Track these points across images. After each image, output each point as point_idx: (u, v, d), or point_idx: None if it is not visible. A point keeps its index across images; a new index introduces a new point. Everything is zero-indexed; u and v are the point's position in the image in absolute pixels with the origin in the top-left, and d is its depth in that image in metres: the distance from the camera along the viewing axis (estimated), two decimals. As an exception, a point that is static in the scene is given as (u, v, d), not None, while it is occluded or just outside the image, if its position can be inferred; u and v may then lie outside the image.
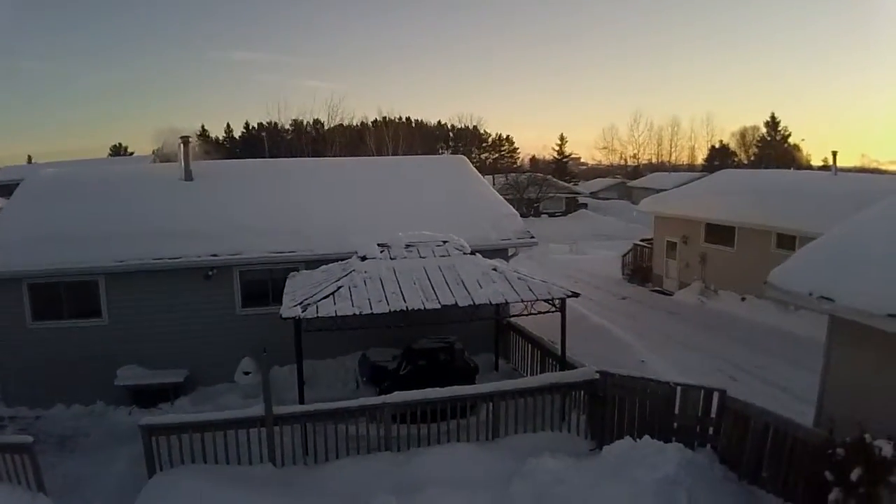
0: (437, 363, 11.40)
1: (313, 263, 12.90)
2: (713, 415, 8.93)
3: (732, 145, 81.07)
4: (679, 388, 9.20)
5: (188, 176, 15.95)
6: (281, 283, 12.41)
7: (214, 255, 13.19)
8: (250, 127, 77.49)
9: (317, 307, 9.81)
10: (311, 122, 70.18)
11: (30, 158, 73.00)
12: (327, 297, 10.02)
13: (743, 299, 20.64)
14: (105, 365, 13.02)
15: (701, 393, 9.03)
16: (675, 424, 9.08)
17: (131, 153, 74.28)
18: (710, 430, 8.97)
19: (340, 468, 8.88)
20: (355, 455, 9.28)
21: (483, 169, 20.31)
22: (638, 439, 8.39)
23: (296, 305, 9.89)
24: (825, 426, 7.80)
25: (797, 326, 17.01)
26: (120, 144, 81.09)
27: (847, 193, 17.68)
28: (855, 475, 6.52)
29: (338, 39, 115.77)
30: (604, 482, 7.43)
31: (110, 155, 71.08)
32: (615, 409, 9.68)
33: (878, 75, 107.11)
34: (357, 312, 9.81)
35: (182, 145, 16.12)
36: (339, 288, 10.27)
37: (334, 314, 9.76)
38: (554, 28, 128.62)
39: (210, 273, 13.23)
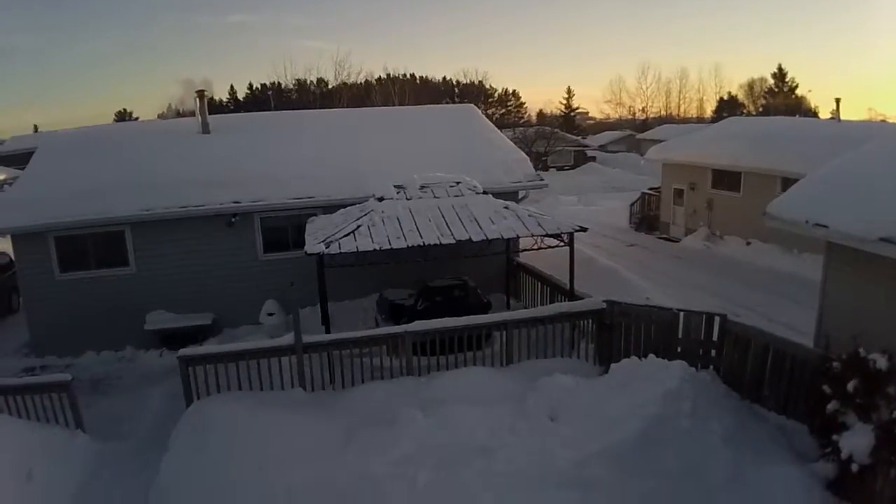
0: (452, 299, 11.96)
1: (331, 209, 13.38)
2: (715, 338, 9.47)
3: (741, 97, 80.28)
4: (682, 314, 9.73)
5: (205, 129, 16.37)
6: (300, 229, 12.95)
7: (237, 202, 13.70)
8: (254, 88, 77.36)
9: (339, 244, 10.36)
10: (314, 82, 70.03)
11: (36, 128, 73.23)
12: (348, 234, 10.57)
13: (748, 244, 21.07)
14: (133, 312, 13.61)
15: (703, 317, 9.57)
16: (679, 348, 9.60)
17: (136, 118, 74.49)
18: (713, 353, 9.51)
19: (366, 391, 9.49)
20: (379, 381, 9.90)
21: (492, 124, 20.60)
22: (644, 359, 8.95)
23: (319, 243, 10.44)
24: (822, 344, 8.34)
25: (800, 268, 17.45)
26: (125, 110, 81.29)
27: (850, 138, 17.81)
28: (851, 386, 6.92)
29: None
30: (612, 394, 8.01)
31: (115, 121, 71.24)
32: (622, 335, 10.25)
33: (885, 31, 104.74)
34: (377, 248, 10.36)
35: (198, 99, 16.50)
36: (360, 226, 10.81)
37: (356, 250, 10.32)
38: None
39: (233, 220, 13.77)
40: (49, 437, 8.88)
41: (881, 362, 6.81)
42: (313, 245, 10.50)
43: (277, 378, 9.65)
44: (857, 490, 6.75)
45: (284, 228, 14.22)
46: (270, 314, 13.64)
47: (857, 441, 6.72)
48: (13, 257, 16.67)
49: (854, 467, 6.66)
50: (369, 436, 7.89)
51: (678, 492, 6.85)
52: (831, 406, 7.14)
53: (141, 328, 13.61)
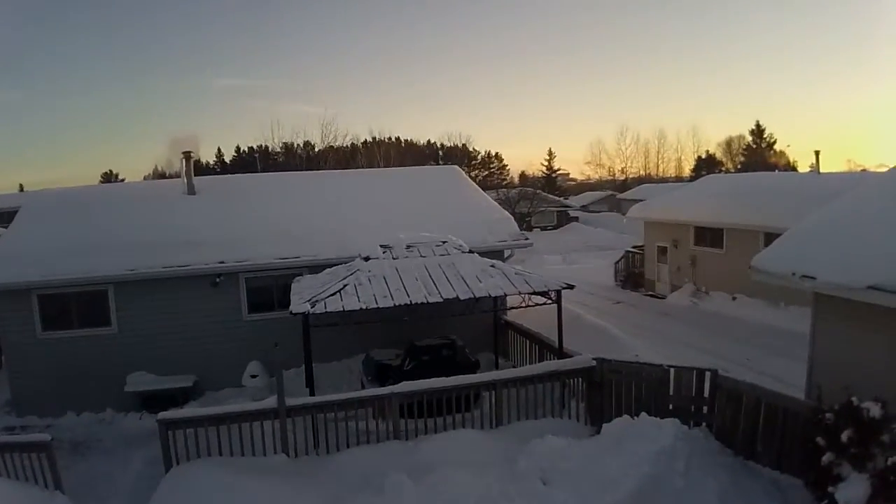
0: (440, 359, 11.79)
1: (317, 268, 13.31)
2: (706, 394, 9.35)
3: (719, 155, 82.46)
4: (672, 370, 9.63)
5: (191, 190, 16.41)
6: (285, 289, 12.83)
7: (221, 262, 13.63)
8: (241, 151, 78.23)
9: (325, 303, 10.26)
10: (301, 145, 71.01)
11: (21, 187, 73.33)
12: (334, 294, 10.47)
13: (734, 298, 21.19)
14: (114, 372, 13.40)
15: (693, 373, 9.48)
16: (671, 405, 9.46)
17: (122, 179, 74.74)
18: (705, 409, 9.38)
19: (352, 456, 9.21)
20: (365, 445, 9.62)
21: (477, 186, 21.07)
22: (636, 417, 8.80)
23: (305, 302, 10.33)
24: (814, 396, 8.25)
25: (786, 321, 17.51)
26: (111, 171, 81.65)
27: (830, 190, 18.25)
28: (845, 437, 6.82)
29: (324, 64, 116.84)
30: (604, 455, 7.82)
31: (101, 182, 71.47)
32: (612, 393, 10.11)
33: (861, 83, 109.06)
34: (363, 307, 10.25)
35: (184, 160, 16.60)
36: (346, 286, 10.73)
37: (342, 309, 10.21)
38: (538, 45, 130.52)
39: (217, 280, 13.66)
40: (28, 498, 8.61)
41: (875, 411, 6.76)
42: (299, 304, 10.38)
43: (260, 443, 9.35)
44: None
45: (269, 288, 14.11)
46: (254, 376, 13.38)
47: (853, 491, 6.58)
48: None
49: (852, 518, 6.49)
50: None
51: (677, 556, 6.61)
52: (826, 458, 7.02)
53: (121, 389, 13.34)
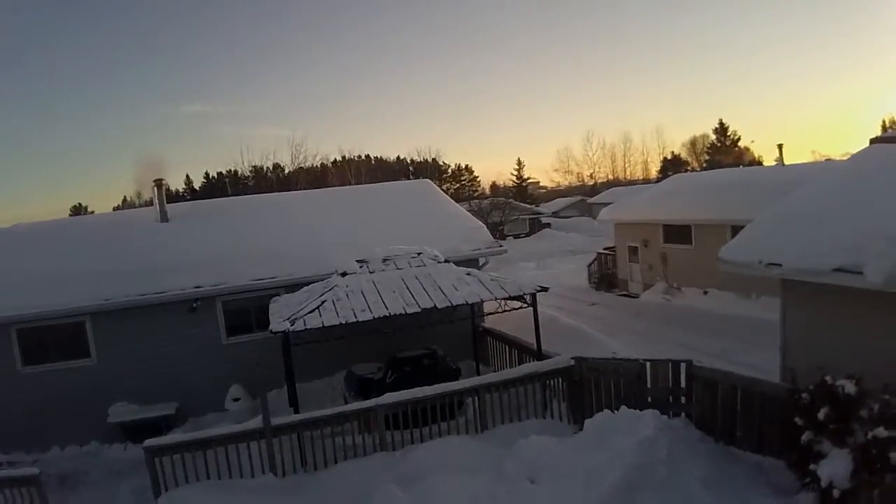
0: (422, 369, 11.90)
1: (294, 287, 13.39)
2: (683, 384, 9.61)
3: (684, 155, 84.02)
4: (648, 364, 9.88)
5: (164, 217, 16.38)
6: (263, 310, 12.91)
7: (198, 287, 13.64)
8: (210, 177, 77.71)
9: (304, 320, 10.33)
10: (271, 168, 70.79)
11: (-11, 224, 71.88)
12: (313, 311, 10.55)
13: (705, 293, 21.63)
14: (96, 403, 13.34)
15: (669, 365, 9.74)
16: (649, 398, 9.68)
17: (92, 212, 73.75)
18: (683, 399, 9.62)
19: (340, 471, 9.29)
20: (352, 459, 9.69)
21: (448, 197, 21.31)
22: (616, 411, 9.01)
23: (284, 321, 10.39)
24: (788, 379, 8.52)
25: (758, 311, 17.92)
26: (80, 204, 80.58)
27: (793, 181, 18.80)
28: (822, 414, 7.01)
29: (290, 86, 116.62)
30: (588, 449, 8.01)
31: (71, 215, 70.43)
32: (592, 390, 10.34)
33: (823, 74, 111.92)
34: (343, 322, 10.34)
35: (156, 187, 16.57)
36: (324, 302, 10.81)
37: (321, 325, 10.28)
38: (501, 57, 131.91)
39: (195, 305, 13.64)
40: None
41: (850, 387, 6.94)
42: (278, 323, 10.44)
43: (247, 464, 9.41)
44: None
45: (247, 310, 14.13)
46: (236, 399, 13.33)
47: (835, 467, 6.74)
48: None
49: (836, 493, 6.67)
50: (346, 517, 7.69)
51: (664, 542, 6.79)
52: (805, 436, 7.20)
53: (104, 421, 13.25)
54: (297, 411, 10.81)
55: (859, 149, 10.51)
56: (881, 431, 6.41)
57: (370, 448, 9.79)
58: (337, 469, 9.39)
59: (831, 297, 8.00)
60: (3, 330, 13.20)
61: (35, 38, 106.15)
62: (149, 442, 9.26)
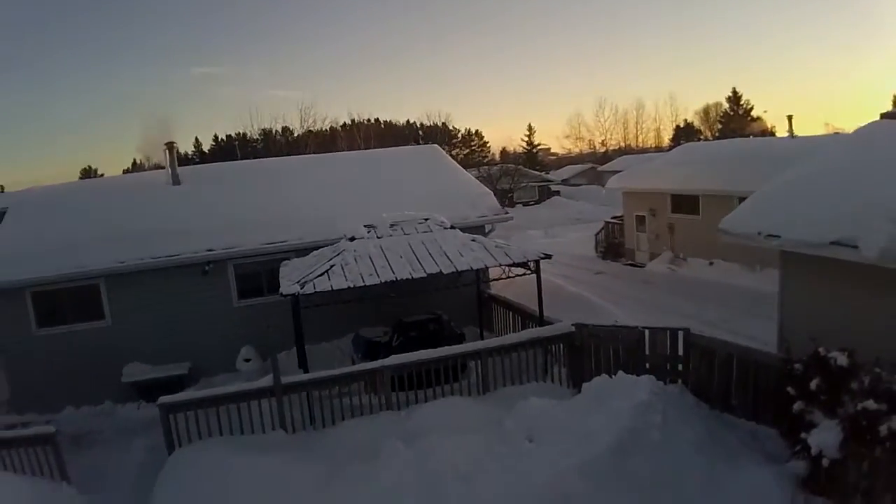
0: (427, 333, 12.21)
1: (303, 252, 13.66)
2: (681, 352, 9.86)
3: (697, 123, 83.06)
4: (647, 331, 10.12)
5: (175, 180, 16.60)
6: (273, 274, 13.18)
7: (210, 251, 13.94)
8: (219, 139, 77.71)
9: (314, 283, 10.62)
10: (279, 131, 70.68)
11: (2, 188, 72.43)
12: (322, 274, 10.84)
13: (711, 264, 21.78)
14: (110, 364, 13.65)
15: (667, 333, 9.97)
16: (647, 364, 9.95)
17: (101, 175, 74.09)
18: (680, 367, 9.87)
19: (347, 428, 9.63)
20: (359, 417, 10.05)
21: (456, 163, 21.26)
22: (613, 376, 9.28)
23: (294, 284, 10.69)
24: (783, 349, 8.73)
25: (762, 284, 18.05)
26: (90, 167, 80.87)
27: (801, 153, 18.76)
28: (814, 385, 7.19)
29: (300, 48, 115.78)
30: (585, 411, 8.29)
31: (81, 178, 70.80)
32: (591, 356, 10.61)
33: (839, 46, 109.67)
34: (351, 285, 10.64)
35: (167, 151, 16.77)
36: (333, 266, 11.09)
37: (330, 288, 10.58)
38: (514, 21, 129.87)
39: (207, 268, 13.95)
40: (35, 489, 8.88)
41: (842, 359, 7.11)
42: (288, 286, 10.74)
43: (258, 421, 9.73)
44: (830, 484, 6.96)
45: (258, 274, 14.44)
46: (247, 360, 13.73)
47: (825, 437, 6.92)
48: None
49: (825, 462, 6.85)
50: (352, 471, 8.01)
51: (654, 501, 7.10)
52: (797, 406, 7.38)
53: (118, 381, 13.60)
54: (306, 372, 11.18)
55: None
56: (871, 404, 6.58)
57: (376, 408, 10.13)
58: (344, 426, 9.73)
59: (828, 270, 8.15)
60: (18, 293, 13.51)
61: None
62: (163, 399, 9.61)
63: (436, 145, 22.99)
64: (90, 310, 13.93)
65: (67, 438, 11.90)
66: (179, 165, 17.55)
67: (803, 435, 7.20)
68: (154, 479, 8.84)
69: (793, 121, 26.12)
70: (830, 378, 7.13)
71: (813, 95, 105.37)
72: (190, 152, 76.71)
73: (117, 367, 13.75)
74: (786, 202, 9.19)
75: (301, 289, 10.54)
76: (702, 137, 74.30)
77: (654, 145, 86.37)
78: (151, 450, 10.61)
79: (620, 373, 9.21)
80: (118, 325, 13.98)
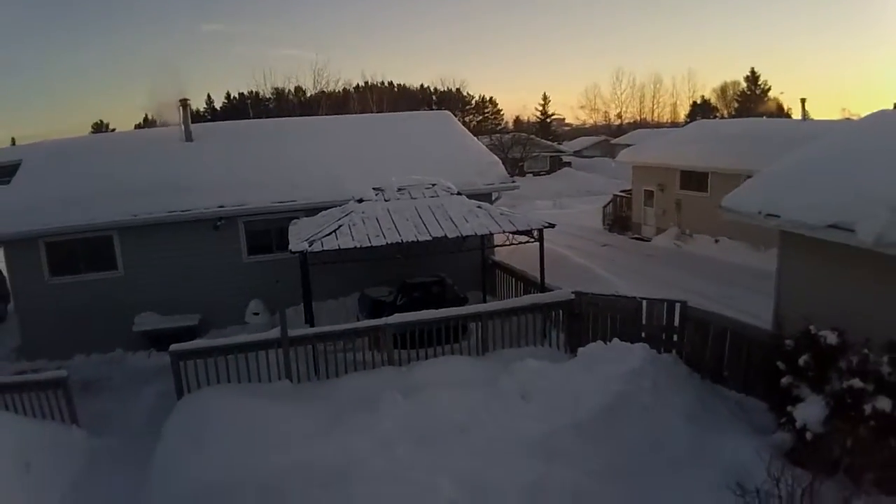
0: (431, 295, 12.52)
1: (312, 212, 13.93)
2: (676, 324, 10.16)
3: (714, 100, 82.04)
4: (644, 302, 10.42)
5: (188, 137, 16.83)
6: (282, 232, 13.50)
7: (221, 207, 14.23)
8: (232, 97, 77.45)
9: (322, 242, 10.93)
10: (292, 91, 70.34)
11: (13, 141, 72.75)
12: (330, 233, 11.14)
13: (717, 241, 21.89)
14: (122, 314, 14.00)
15: (664, 304, 10.26)
16: (643, 334, 10.26)
17: (113, 129, 74.20)
18: (675, 338, 10.19)
19: (349, 380, 10.05)
20: (362, 371, 10.43)
21: (467, 130, 21.18)
22: (609, 343, 9.59)
23: (303, 241, 11.00)
24: (776, 325, 8.98)
25: (766, 263, 18.00)
26: (101, 121, 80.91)
27: (811, 136, 18.72)
28: (802, 361, 7.43)
29: (313, 6, 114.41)
30: (579, 374, 8.63)
31: (93, 132, 70.91)
32: (589, 323, 10.93)
33: (858, 31, 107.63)
34: (358, 245, 10.94)
35: (181, 108, 16.96)
36: (341, 226, 11.38)
37: (337, 248, 10.88)
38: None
39: (218, 224, 14.28)
40: (46, 431, 9.26)
41: (832, 338, 7.35)
42: (297, 244, 11.05)
43: (265, 371, 10.14)
44: (812, 457, 7.13)
45: (268, 231, 14.76)
46: (256, 314, 14.13)
47: (810, 411, 7.19)
48: (0, 267, 17.01)
49: (808, 436, 7.10)
50: (353, 419, 8.38)
51: (640, 461, 7.43)
52: (785, 380, 7.63)
53: (129, 330, 13.98)
54: (310, 317, 11.55)
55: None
56: (857, 382, 6.82)
57: (378, 363, 10.50)
58: (347, 379, 10.14)
59: (825, 252, 8.29)
60: (32, 243, 13.81)
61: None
62: (174, 346, 9.99)
63: (447, 111, 23.04)
64: (103, 260, 14.26)
65: (77, 384, 12.13)
66: (192, 123, 17.72)
67: (790, 408, 7.46)
68: (162, 423, 9.22)
69: (810, 105, 26.01)
70: (820, 355, 7.34)
71: (832, 80, 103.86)
72: (202, 109, 76.66)
73: (128, 317, 14.11)
74: (788, 183, 9.32)
75: (310, 246, 10.85)
76: (718, 115, 73.50)
77: (669, 120, 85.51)
78: (160, 396, 11.03)
79: (615, 339, 9.52)
80: (131, 275, 14.33)
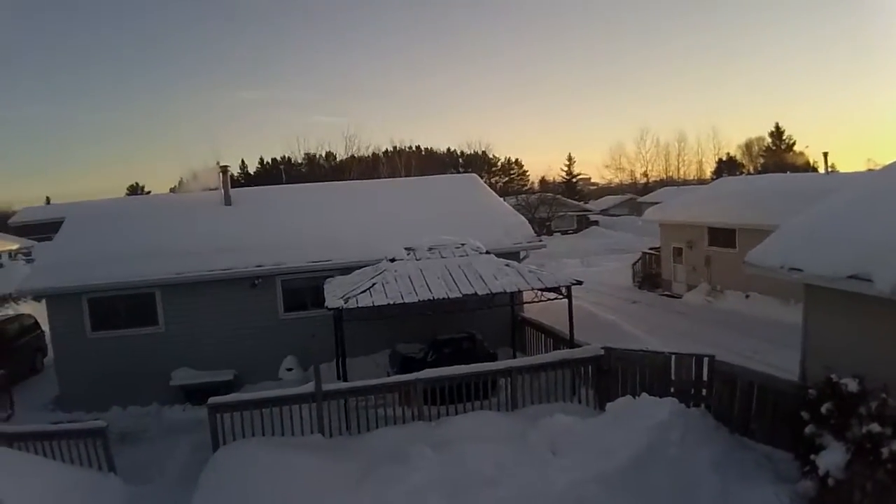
0: (461, 351, 12.74)
1: (346, 270, 14.42)
2: (705, 378, 10.22)
3: (739, 157, 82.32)
4: (673, 357, 10.50)
5: (227, 201, 17.64)
6: (317, 290, 13.98)
7: (259, 266, 14.82)
8: (265, 162, 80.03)
9: (357, 299, 11.34)
10: (323, 156, 72.54)
11: (48, 199, 75.71)
12: (365, 291, 11.56)
13: (747, 297, 21.81)
14: (160, 368, 14.46)
15: (693, 359, 10.34)
16: (672, 389, 10.29)
17: (148, 192, 76.89)
18: (704, 392, 10.22)
19: (380, 435, 10.22)
20: (392, 426, 10.61)
21: (493, 191, 21.73)
22: (637, 398, 9.68)
23: (338, 298, 11.44)
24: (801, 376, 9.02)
25: (795, 317, 17.89)
26: (137, 184, 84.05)
27: (836, 189, 18.90)
28: (825, 409, 7.53)
29: (342, 74, 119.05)
30: (607, 428, 8.73)
31: (128, 194, 73.53)
32: (619, 379, 11.00)
33: (880, 81, 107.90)
34: (391, 302, 11.31)
35: (221, 173, 17.87)
36: (374, 284, 11.80)
37: (372, 304, 11.27)
38: (556, 51, 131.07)
39: (256, 282, 14.83)
40: (84, 478, 9.62)
41: (852, 385, 7.45)
42: (333, 300, 11.47)
43: (298, 425, 10.39)
44: (835, 502, 7.27)
45: (303, 290, 15.27)
46: (289, 369, 14.46)
47: (832, 458, 7.26)
48: (39, 320, 17.72)
49: (831, 482, 7.17)
50: (384, 472, 8.59)
51: (668, 511, 7.48)
52: (808, 429, 7.72)
53: (166, 384, 14.41)
54: (344, 372, 11.88)
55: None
56: (875, 427, 6.92)
57: (409, 418, 10.67)
58: (378, 433, 10.31)
59: (847, 303, 8.41)
60: (75, 298, 14.48)
61: (92, 19, 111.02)
62: (212, 399, 10.33)
63: (473, 174, 23.78)
64: (145, 317, 14.85)
65: (115, 435, 12.37)
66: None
67: (813, 457, 7.52)
68: (197, 474, 9.43)
69: (836, 157, 26.35)
70: (841, 403, 7.44)
71: (858, 131, 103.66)
72: (236, 174, 79.20)
73: (167, 372, 14.56)
74: (809, 237, 9.51)
75: (345, 303, 11.26)
76: (744, 171, 73.59)
77: (696, 177, 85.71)
78: (195, 448, 11.24)
79: (644, 394, 9.61)
80: (171, 331, 14.87)
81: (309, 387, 10.43)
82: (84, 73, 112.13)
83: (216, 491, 8.81)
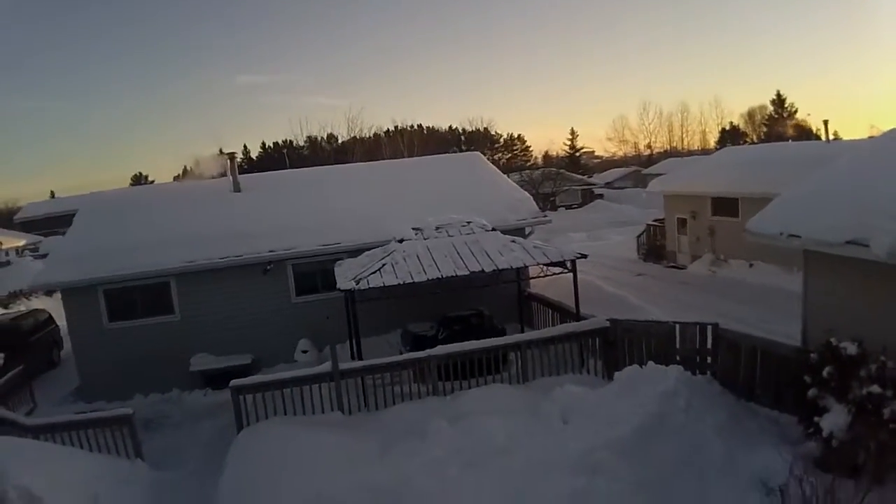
0: (470, 327, 13.07)
1: (355, 252, 14.66)
2: (709, 345, 10.53)
3: (742, 126, 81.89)
4: (678, 326, 10.81)
5: (236, 187, 17.91)
6: (328, 273, 14.28)
7: (271, 251, 15.17)
8: (267, 147, 79.98)
9: (367, 280, 11.64)
10: (325, 138, 72.50)
11: (52, 194, 76.13)
12: (375, 272, 11.86)
13: (751, 266, 22.03)
14: (178, 355, 14.86)
15: (696, 327, 10.64)
16: (678, 357, 10.61)
17: (152, 181, 77.08)
18: (708, 359, 10.55)
19: (397, 411, 10.59)
20: (408, 402, 10.98)
21: (497, 169, 21.78)
22: (644, 366, 9.98)
23: (350, 280, 11.74)
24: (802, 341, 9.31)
25: (798, 284, 18.26)
26: (140, 174, 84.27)
27: (836, 156, 18.99)
28: (826, 373, 7.79)
29: (341, 55, 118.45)
30: (616, 397, 9.04)
31: (132, 185, 73.71)
32: (625, 350, 11.33)
33: (884, 48, 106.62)
34: (401, 282, 11.62)
35: (230, 160, 18.12)
36: (384, 265, 12.10)
37: (382, 285, 11.58)
38: (556, 23, 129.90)
39: (268, 267, 15.17)
40: (112, 465, 9.98)
41: (851, 349, 7.71)
42: (345, 282, 11.78)
43: (318, 403, 10.78)
44: (840, 463, 7.45)
45: (314, 273, 15.61)
46: (304, 351, 14.85)
47: (835, 420, 7.54)
48: (52, 314, 18.08)
49: (834, 443, 7.47)
50: (404, 446, 8.93)
51: (674, 474, 7.79)
52: (811, 392, 7.99)
53: (185, 371, 14.82)
54: (359, 352, 12.24)
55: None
56: (875, 388, 7.20)
57: (424, 394, 11.04)
58: (394, 409, 10.69)
59: (845, 268, 8.68)
60: (91, 290, 14.84)
61: (94, 8, 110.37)
62: (234, 382, 10.69)
63: (477, 153, 23.91)
64: (160, 305, 15.24)
65: (139, 422, 12.77)
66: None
67: (816, 419, 7.81)
68: (222, 456, 9.81)
69: (838, 124, 26.31)
70: (841, 366, 7.70)
71: (860, 97, 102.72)
72: (239, 159, 79.07)
73: (185, 358, 14.98)
74: (808, 204, 9.72)
75: (356, 285, 11.57)
76: (747, 140, 73.30)
77: (699, 147, 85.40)
78: (218, 431, 11.74)
79: (650, 363, 9.91)
80: (186, 319, 15.26)
81: (326, 366, 10.78)
82: (80, 63, 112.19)
83: (244, 468, 9.19)
